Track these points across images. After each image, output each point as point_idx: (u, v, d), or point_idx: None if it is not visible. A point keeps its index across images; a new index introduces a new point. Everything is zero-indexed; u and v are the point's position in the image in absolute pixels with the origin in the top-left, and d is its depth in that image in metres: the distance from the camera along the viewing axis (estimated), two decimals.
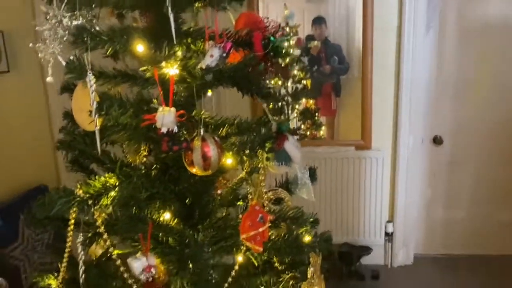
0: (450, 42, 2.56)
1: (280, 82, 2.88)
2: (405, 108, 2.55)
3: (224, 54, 1.09)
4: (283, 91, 2.90)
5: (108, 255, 1.18)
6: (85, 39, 0.99)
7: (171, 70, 1.02)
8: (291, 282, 1.27)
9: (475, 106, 2.62)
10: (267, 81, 1.17)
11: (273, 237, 1.20)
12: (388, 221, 2.74)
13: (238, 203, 1.34)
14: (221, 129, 1.24)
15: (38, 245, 2.35)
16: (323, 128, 2.95)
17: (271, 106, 2.96)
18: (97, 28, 1.06)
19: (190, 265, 1.18)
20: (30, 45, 1.09)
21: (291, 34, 2.80)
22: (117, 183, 1.11)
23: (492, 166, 2.68)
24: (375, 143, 2.66)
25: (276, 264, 1.30)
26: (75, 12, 1.07)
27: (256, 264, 1.27)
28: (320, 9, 2.79)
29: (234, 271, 1.20)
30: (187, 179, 1.22)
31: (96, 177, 1.12)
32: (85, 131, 1.20)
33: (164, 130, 1.01)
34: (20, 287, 2.24)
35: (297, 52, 2.79)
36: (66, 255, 1.18)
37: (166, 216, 1.20)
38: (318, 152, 2.72)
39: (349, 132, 2.78)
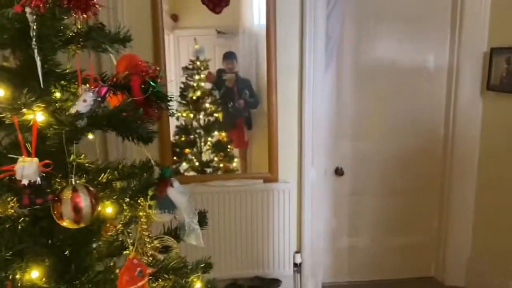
0: (347, 81, 2.75)
1: (192, 115, 2.88)
2: (308, 142, 2.66)
3: (99, 99, 1.04)
4: (195, 123, 2.89)
5: None
6: None
7: (35, 116, 0.95)
8: None
9: (371, 139, 2.82)
10: (149, 125, 1.13)
11: None
12: (296, 252, 2.79)
13: (124, 252, 1.26)
14: (102, 174, 1.17)
15: None
16: (235, 160, 2.96)
17: (183, 138, 2.96)
18: None
19: None
20: None
21: (202, 68, 2.83)
22: None
23: (388, 195, 2.88)
24: (282, 176, 2.72)
25: None
26: None
27: None
28: (231, 45, 2.85)
29: None
30: (63, 231, 1.12)
31: None
32: None
33: (25, 182, 0.93)
34: None
35: (208, 85, 2.82)
36: None
37: (34, 274, 1.08)
38: (229, 185, 2.71)
39: (259, 165, 2.83)
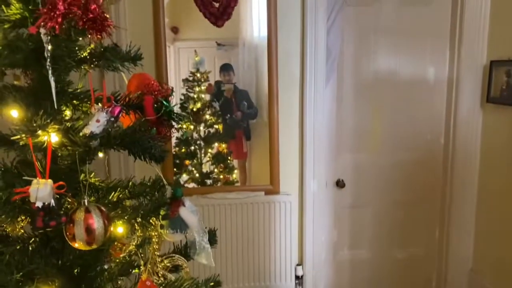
0: (347, 93, 2.76)
1: (192, 127, 2.88)
2: (309, 154, 2.67)
3: (112, 118, 1.04)
4: (195, 135, 2.89)
5: None
6: None
7: (49, 137, 0.94)
8: None
9: (371, 151, 2.83)
10: (161, 144, 1.13)
11: None
12: (298, 264, 2.78)
13: (134, 271, 1.25)
14: (113, 193, 1.16)
15: None
16: (235, 171, 2.96)
17: (183, 150, 2.96)
18: None
19: None
20: None
21: (202, 80, 2.84)
22: None
23: (388, 207, 2.88)
24: (283, 188, 2.72)
25: None
26: None
27: None
28: (231, 57, 2.86)
29: None
30: (73, 251, 1.11)
31: None
32: None
33: (39, 204, 0.91)
34: None
35: (208, 97, 2.82)
36: None
37: None
38: (230, 198, 2.70)
39: (260, 176, 2.83)
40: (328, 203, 2.85)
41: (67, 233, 0.99)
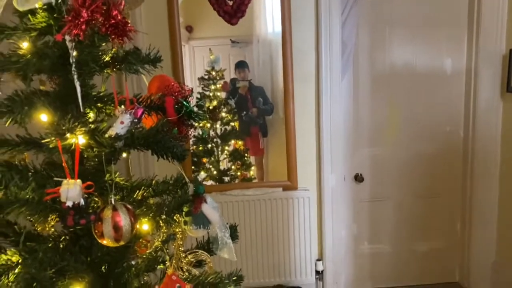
0: (363, 87, 2.76)
1: (208, 125, 2.91)
2: (327, 148, 2.67)
3: (136, 120, 1.07)
4: (212, 133, 2.92)
5: None
6: None
7: (77, 139, 0.98)
8: None
9: (390, 145, 2.82)
10: (183, 143, 1.16)
11: None
12: (318, 259, 2.80)
13: (159, 267, 1.29)
14: (137, 192, 1.20)
15: None
16: (252, 168, 2.99)
17: (201, 147, 3.00)
18: None
19: None
20: None
21: (217, 78, 2.87)
22: (19, 261, 1.02)
23: (408, 200, 2.87)
24: (301, 183, 2.73)
25: None
26: None
27: None
28: (245, 53, 2.88)
29: None
30: (100, 248, 1.15)
31: None
32: None
33: (69, 204, 0.96)
34: None
35: (223, 95, 2.85)
36: None
37: None
38: (248, 194, 2.73)
39: (277, 172, 2.84)
40: (347, 198, 2.85)
41: (96, 231, 1.03)
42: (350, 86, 2.74)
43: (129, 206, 1.06)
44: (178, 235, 1.14)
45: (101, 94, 1.14)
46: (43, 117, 1.00)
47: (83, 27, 0.91)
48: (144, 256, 1.24)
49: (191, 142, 2.82)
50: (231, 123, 2.94)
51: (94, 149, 1.02)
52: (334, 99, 2.62)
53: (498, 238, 2.72)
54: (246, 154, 2.97)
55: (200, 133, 2.86)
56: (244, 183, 2.87)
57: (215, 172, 2.95)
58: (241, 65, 2.84)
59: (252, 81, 2.83)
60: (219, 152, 2.98)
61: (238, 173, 2.97)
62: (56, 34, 0.95)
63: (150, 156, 2.49)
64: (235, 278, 1.33)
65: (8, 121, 0.99)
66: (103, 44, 1.07)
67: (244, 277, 1.39)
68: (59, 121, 1.01)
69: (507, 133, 2.58)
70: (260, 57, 2.92)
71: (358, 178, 2.83)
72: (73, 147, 0.99)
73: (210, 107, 2.93)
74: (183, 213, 1.13)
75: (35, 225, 1.27)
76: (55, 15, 1.01)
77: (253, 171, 2.97)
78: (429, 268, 2.94)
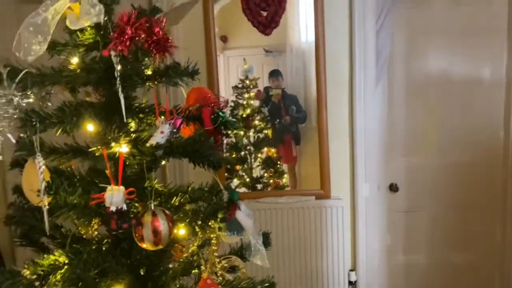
0: (398, 95, 2.73)
1: (242, 133, 2.96)
2: (360, 157, 2.65)
3: (175, 130, 1.13)
4: (245, 141, 2.97)
5: None
6: (34, 122, 1.01)
7: (121, 148, 1.05)
8: None
9: (425, 154, 2.76)
10: (219, 152, 1.21)
11: None
12: (351, 270, 2.77)
13: (194, 271, 1.33)
14: (174, 198, 1.26)
15: None
16: (285, 176, 3.00)
17: (234, 155, 3.05)
18: (47, 108, 1.08)
19: None
20: None
21: (251, 87, 2.92)
22: (66, 261, 1.10)
23: (445, 210, 2.80)
24: (334, 192, 2.72)
25: None
26: (27, 91, 1.09)
27: None
28: (278, 62, 2.92)
29: None
30: (140, 252, 1.21)
31: (45, 255, 1.10)
32: (36, 206, 1.19)
33: (113, 208, 1.02)
34: None
35: (257, 103, 2.90)
36: None
37: None
38: (281, 202, 2.74)
39: (310, 181, 2.84)
40: (381, 208, 2.81)
41: (136, 235, 1.09)
42: (384, 94, 2.72)
43: (167, 212, 1.11)
44: (213, 241, 1.18)
45: (143, 105, 1.20)
46: (90, 127, 1.07)
47: (128, 43, 0.97)
48: (181, 260, 1.29)
49: (224, 150, 2.87)
50: (264, 131, 2.98)
51: (136, 157, 1.08)
52: (368, 107, 2.61)
53: None
54: (278, 162, 3.00)
55: (234, 141, 2.91)
56: (276, 191, 2.89)
57: (248, 180, 2.99)
58: (274, 74, 2.88)
59: (286, 90, 2.86)
60: (252, 160, 3.01)
61: (271, 181, 3.00)
62: (103, 50, 1.02)
63: (184, 164, 2.57)
64: (267, 284, 1.35)
65: (59, 131, 1.06)
66: (146, 59, 1.13)
67: (276, 284, 1.40)
68: (104, 130, 1.08)
69: None
70: (293, 66, 2.95)
71: (393, 188, 2.79)
72: (117, 155, 1.06)
73: (244, 115, 2.97)
74: (218, 219, 1.17)
75: (79, 228, 1.35)
76: (101, 32, 1.08)
77: (285, 179, 2.99)
78: (467, 280, 2.84)
